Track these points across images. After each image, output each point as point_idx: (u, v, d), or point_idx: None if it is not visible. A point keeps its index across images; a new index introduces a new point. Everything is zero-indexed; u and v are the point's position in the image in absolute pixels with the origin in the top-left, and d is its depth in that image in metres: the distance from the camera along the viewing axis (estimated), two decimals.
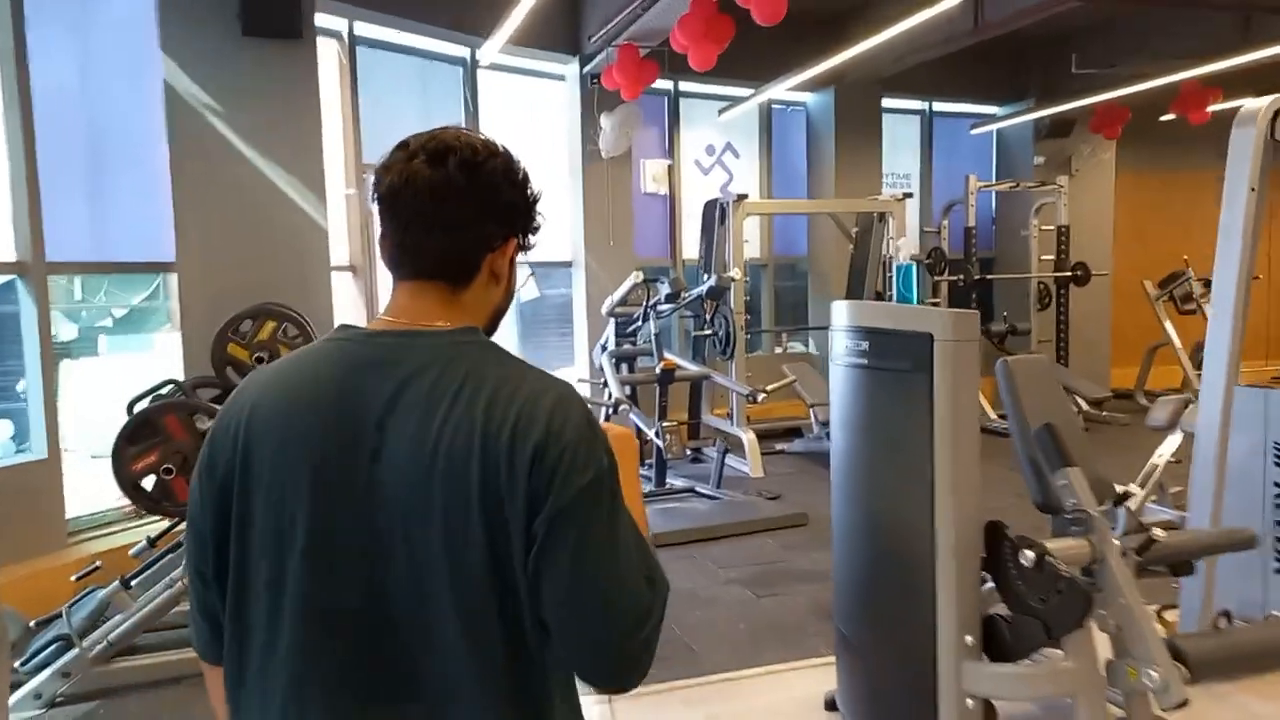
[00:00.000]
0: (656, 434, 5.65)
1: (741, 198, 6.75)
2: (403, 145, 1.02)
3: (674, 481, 5.97)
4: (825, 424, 6.82)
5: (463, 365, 0.97)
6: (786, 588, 4.25)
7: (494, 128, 7.10)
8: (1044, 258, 8.80)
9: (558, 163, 7.53)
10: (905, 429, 2.58)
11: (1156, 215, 10.04)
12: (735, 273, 6.19)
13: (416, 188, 0.98)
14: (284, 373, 1.03)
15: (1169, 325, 8.55)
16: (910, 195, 7.04)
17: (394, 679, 0.94)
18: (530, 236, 1.13)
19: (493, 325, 1.12)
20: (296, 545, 0.95)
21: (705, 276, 6.43)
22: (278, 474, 0.96)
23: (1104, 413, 7.86)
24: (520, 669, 0.95)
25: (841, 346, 2.79)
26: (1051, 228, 8.68)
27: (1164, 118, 9.08)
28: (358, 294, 5.90)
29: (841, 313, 2.82)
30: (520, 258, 1.14)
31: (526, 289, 7.83)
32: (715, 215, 6.93)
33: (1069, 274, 8.50)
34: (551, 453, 0.92)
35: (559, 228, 7.53)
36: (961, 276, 8.10)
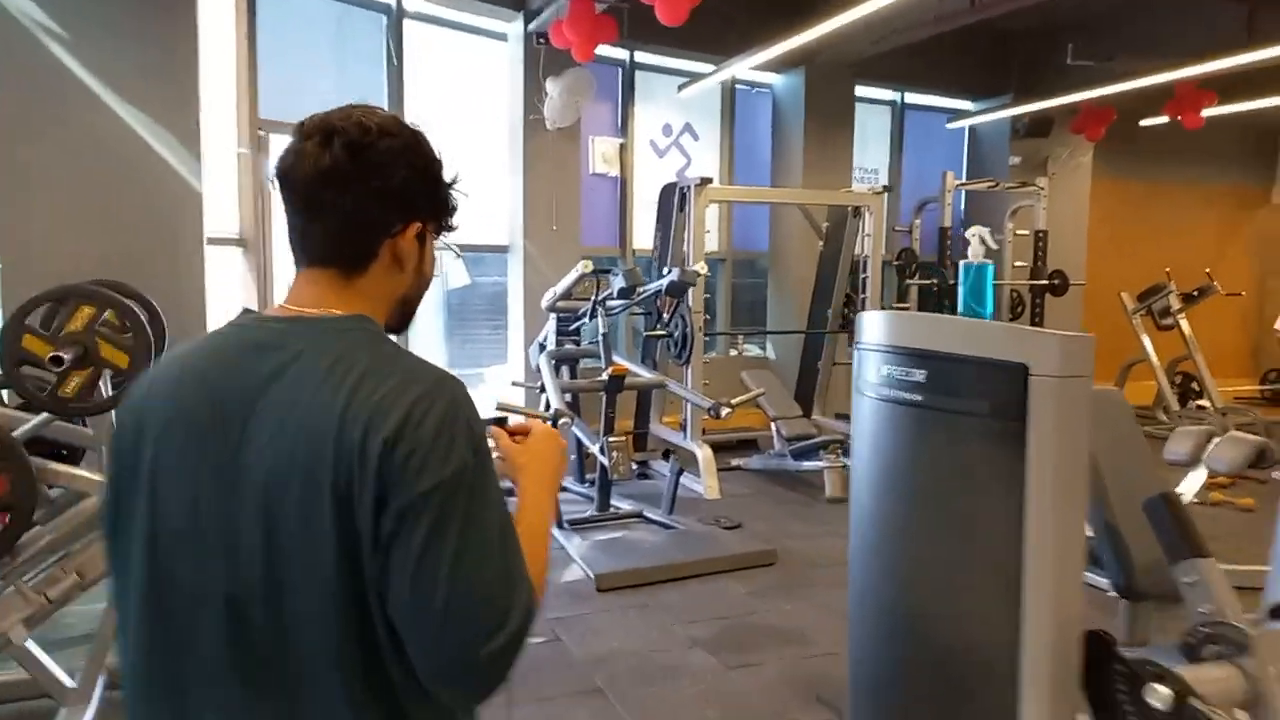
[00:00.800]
0: (601, 450, 4.84)
1: (705, 182, 5.95)
2: (299, 125, 1.00)
3: (619, 504, 5.15)
4: (789, 440, 6.07)
5: (335, 351, 0.95)
6: (760, 653, 3.48)
7: (422, 89, 6.17)
8: (1017, 264, 8.24)
9: (496, 133, 6.64)
10: (980, 496, 1.82)
11: (1132, 225, 9.57)
12: (700, 267, 5.38)
13: (305, 171, 0.97)
14: (182, 355, 1.02)
15: (1147, 341, 8.06)
16: (890, 189, 6.33)
17: (253, 676, 0.93)
18: (446, 219, 1.06)
19: (402, 312, 1.07)
20: (164, 531, 0.95)
21: (664, 270, 5.60)
22: (160, 458, 0.96)
23: None
24: (377, 682, 0.92)
25: (877, 373, 2.00)
26: (1027, 232, 8.12)
27: (1146, 122, 8.60)
28: (247, 271, 4.93)
29: (878, 326, 2.03)
30: (443, 241, 1.10)
31: (457, 275, 6.92)
32: (674, 201, 6.13)
33: (1046, 282, 7.94)
34: (404, 446, 0.88)
35: (495, 207, 6.64)
36: (935, 281, 7.45)
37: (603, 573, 4.10)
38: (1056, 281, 7.91)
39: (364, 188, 0.96)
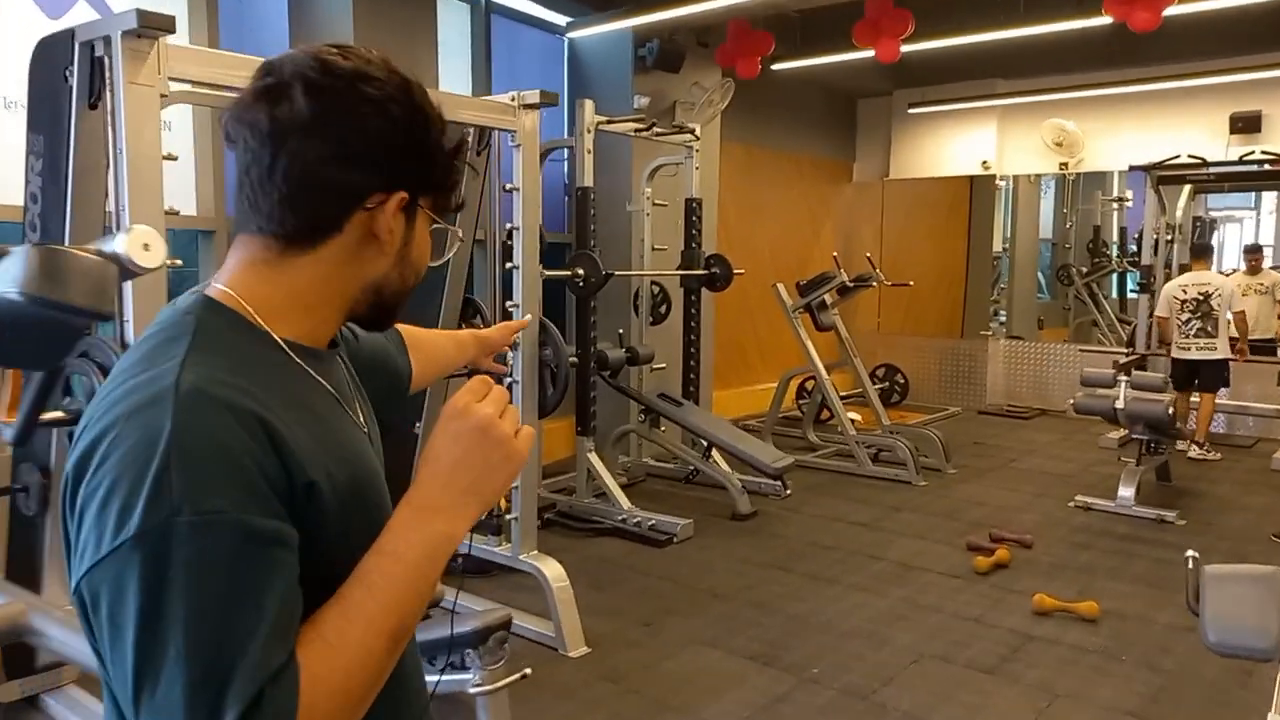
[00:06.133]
0: None
1: (151, 30, 2.32)
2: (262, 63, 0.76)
3: None
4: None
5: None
6: None
7: None
8: (657, 246, 5.87)
9: None
10: None
11: (743, 198, 7.76)
12: (152, 240, 1.79)
13: (250, 116, 0.76)
14: None
15: (811, 347, 6.25)
16: (553, 101, 3.29)
17: None
18: (441, 193, 0.83)
19: (375, 304, 0.83)
20: None
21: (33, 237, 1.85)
22: None
23: (787, 491, 5.15)
24: None
25: None
26: (666, 203, 5.78)
27: (782, 66, 6.81)
28: None
29: None
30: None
31: None
32: (71, 82, 2.40)
33: (703, 272, 5.64)
34: (81, 492, 0.67)
35: None
36: (581, 272, 4.64)
37: None
38: (716, 271, 5.66)
39: (323, 138, 0.74)
